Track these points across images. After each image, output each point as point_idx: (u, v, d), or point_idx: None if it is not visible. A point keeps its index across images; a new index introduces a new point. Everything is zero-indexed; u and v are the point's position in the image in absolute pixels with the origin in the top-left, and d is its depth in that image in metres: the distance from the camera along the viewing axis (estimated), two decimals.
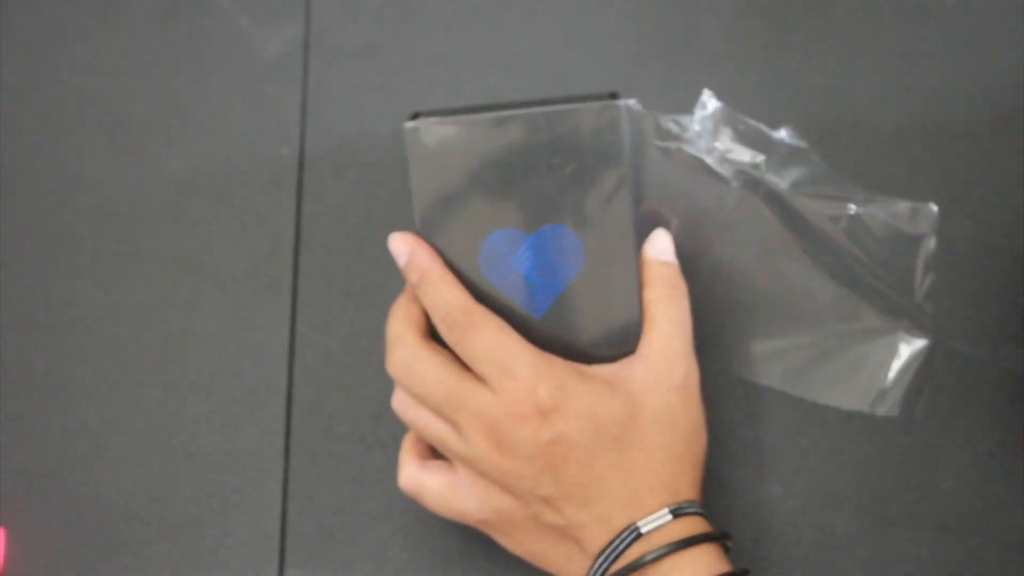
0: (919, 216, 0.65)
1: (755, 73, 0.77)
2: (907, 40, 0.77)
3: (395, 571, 0.70)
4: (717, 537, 0.61)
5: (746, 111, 0.65)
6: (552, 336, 0.63)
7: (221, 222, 0.75)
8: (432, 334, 0.64)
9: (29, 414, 0.73)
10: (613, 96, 0.61)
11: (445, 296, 0.61)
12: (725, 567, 0.60)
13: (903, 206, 0.65)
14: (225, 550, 0.71)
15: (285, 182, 0.76)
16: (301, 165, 0.76)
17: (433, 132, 0.61)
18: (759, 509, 0.70)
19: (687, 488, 0.62)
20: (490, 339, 0.61)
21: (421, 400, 0.63)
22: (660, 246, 0.64)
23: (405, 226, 0.75)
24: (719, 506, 0.69)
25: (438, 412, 0.62)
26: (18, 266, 0.75)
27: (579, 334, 0.63)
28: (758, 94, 0.76)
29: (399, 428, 0.72)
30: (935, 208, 0.66)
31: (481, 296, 0.62)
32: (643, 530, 0.60)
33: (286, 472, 0.72)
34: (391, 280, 0.74)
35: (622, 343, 0.63)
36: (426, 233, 0.62)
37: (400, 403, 0.64)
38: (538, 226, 0.62)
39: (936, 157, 0.75)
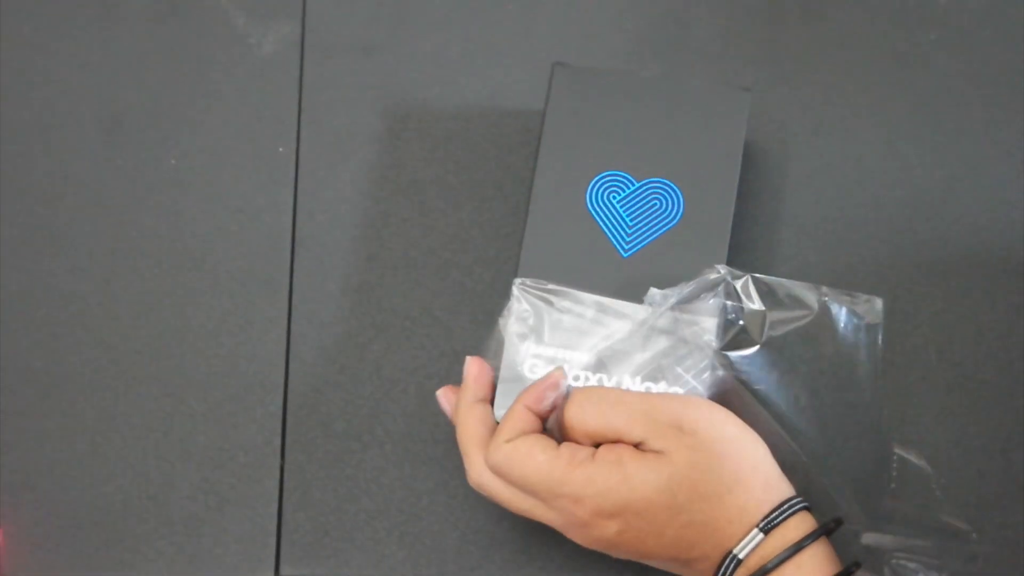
0: (872, 307, 0.66)
1: (751, 71, 0.77)
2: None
3: (390, 568, 0.70)
4: (817, 535, 0.62)
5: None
6: (630, 276, 0.67)
7: (217, 220, 0.75)
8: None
9: (26, 412, 0.73)
10: (746, 89, 0.70)
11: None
12: (832, 568, 0.62)
13: (857, 298, 0.67)
14: (221, 547, 0.71)
15: (281, 180, 0.76)
16: (297, 163, 0.76)
17: (577, 74, 0.70)
18: None
19: (765, 493, 0.62)
20: (529, 472, 0.63)
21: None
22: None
23: (402, 221, 0.75)
24: None
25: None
26: (14, 263, 0.75)
27: (657, 283, 0.66)
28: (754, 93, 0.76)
29: (394, 426, 0.72)
30: (880, 302, 0.66)
31: (575, 221, 0.68)
32: (740, 556, 0.62)
33: (282, 469, 0.72)
34: (386, 277, 0.74)
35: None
36: (545, 155, 0.69)
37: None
38: (648, 176, 0.68)
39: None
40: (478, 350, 0.67)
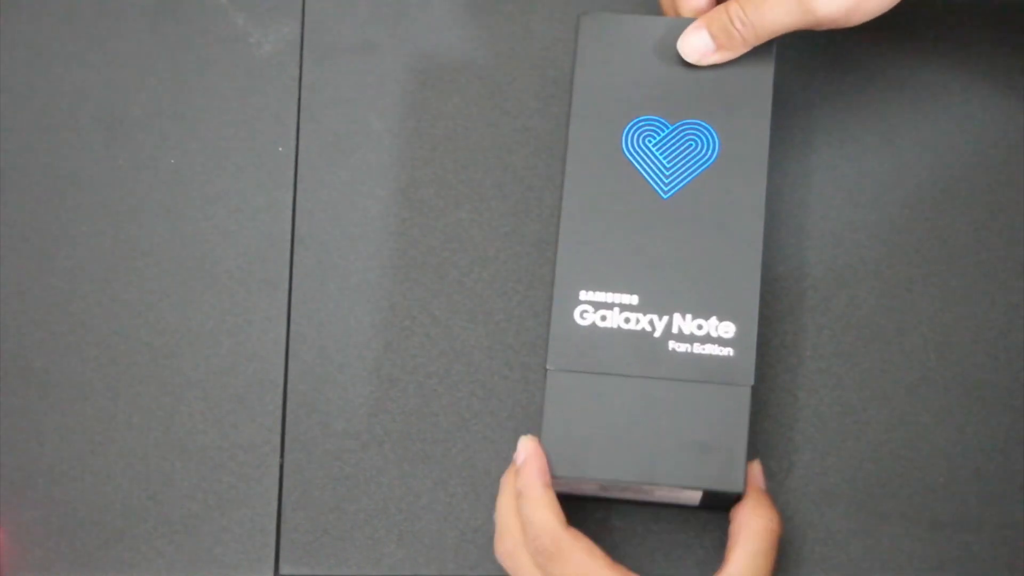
0: None
1: None
2: None
3: (390, 567, 0.70)
4: None
5: None
6: (674, 217, 0.67)
7: (217, 219, 0.76)
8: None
9: (26, 412, 0.73)
10: None
11: (539, 517, 0.64)
12: None
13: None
14: (221, 546, 0.71)
15: (281, 179, 0.76)
16: (297, 162, 0.76)
17: (604, 21, 0.70)
18: None
19: None
20: (574, 570, 0.63)
21: None
22: (757, 474, 0.67)
23: (403, 223, 0.75)
24: None
25: None
26: (14, 263, 0.75)
27: (700, 221, 0.67)
28: None
29: (393, 425, 0.72)
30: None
31: (614, 169, 0.68)
32: None
33: (281, 468, 0.72)
34: (386, 277, 0.74)
35: (736, 245, 0.67)
36: (578, 107, 0.69)
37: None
38: (682, 118, 0.69)
39: None
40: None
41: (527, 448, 0.65)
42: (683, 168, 0.68)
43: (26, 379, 0.73)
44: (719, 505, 0.67)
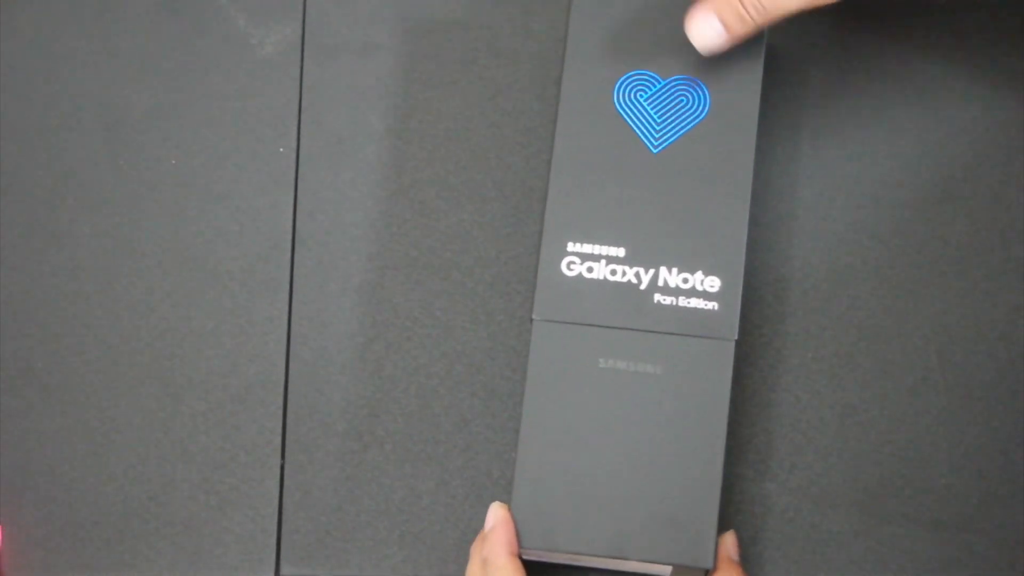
0: None
1: None
2: None
3: (391, 568, 0.70)
4: None
5: None
6: (663, 171, 0.68)
7: (218, 220, 0.75)
8: None
9: (26, 411, 0.73)
10: None
11: None
12: None
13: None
14: (222, 547, 0.71)
15: (282, 180, 0.76)
16: (298, 163, 0.76)
17: None
18: (754, 506, 0.70)
19: None
20: None
21: None
22: (730, 545, 0.67)
23: (403, 222, 0.75)
24: None
25: None
26: (15, 263, 0.75)
27: (689, 176, 0.68)
28: None
29: (395, 426, 0.72)
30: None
31: (603, 122, 0.69)
32: None
33: (282, 469, 0.72)
34: (387, 277, 0.74)
35: (724, 201, 0.68)
36: (571, 60, 0.69)
37: None
38: (674, 74, 0.69)
39: None
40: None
41: (496, 516, 0.65)
42: (674, 123, 0.69)
43: (27, 379, 0.73)
44: None
